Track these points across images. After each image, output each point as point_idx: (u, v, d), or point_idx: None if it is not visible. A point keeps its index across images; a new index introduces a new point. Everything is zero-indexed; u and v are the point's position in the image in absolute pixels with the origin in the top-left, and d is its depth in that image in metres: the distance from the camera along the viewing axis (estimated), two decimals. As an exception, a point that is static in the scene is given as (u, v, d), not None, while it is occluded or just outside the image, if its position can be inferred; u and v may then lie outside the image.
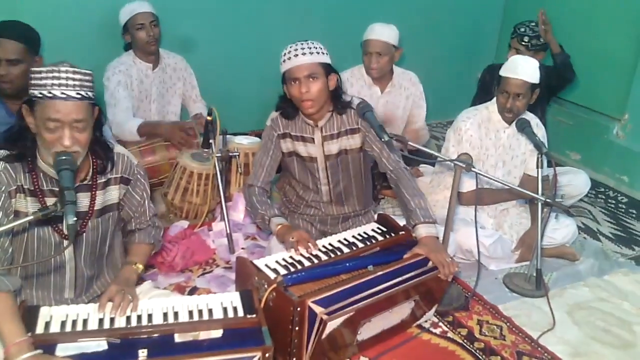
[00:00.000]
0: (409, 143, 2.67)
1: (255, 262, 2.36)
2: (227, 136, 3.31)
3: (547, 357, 2.53)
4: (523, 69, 2.89)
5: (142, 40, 3.44)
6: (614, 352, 2.61)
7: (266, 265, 2.34)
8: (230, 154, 3.09)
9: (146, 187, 2.26)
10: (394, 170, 2.68)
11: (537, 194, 2.80)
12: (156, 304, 2.10)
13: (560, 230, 3.24)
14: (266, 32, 4.40)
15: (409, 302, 2.46)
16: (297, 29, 4.50)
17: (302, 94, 2.51)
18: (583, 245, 3.46)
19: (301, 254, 2.41)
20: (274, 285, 2.16)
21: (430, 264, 2.43)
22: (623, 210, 4.04)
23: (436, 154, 2.81)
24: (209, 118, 2.97)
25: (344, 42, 3.69)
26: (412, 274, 2.39)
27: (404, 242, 2.57)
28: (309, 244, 2.43)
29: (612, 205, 4.10)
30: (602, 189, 4.32)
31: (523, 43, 3.55)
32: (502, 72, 2.94)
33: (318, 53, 2.51)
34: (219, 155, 3.03)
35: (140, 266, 2.24)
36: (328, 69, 2.55)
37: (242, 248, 3.10)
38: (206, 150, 3.12)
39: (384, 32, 3.44)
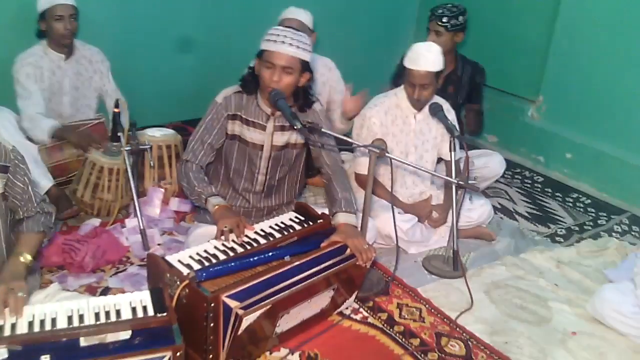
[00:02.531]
0: (324, 130, 2.63)
1: (167, 258, 2.28)
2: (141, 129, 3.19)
3: (465, 337, 2.57)
4: (426, 59, 2.89)
5: (58, 33, 3.26)
6: (530, 328, 2.68)
7: (179, 261, 2.26)
8: (141, 147, 2.97)
9: (27, 172, 2.12)
10: (331, 166, 2.69)
11: (452, 177, 2.84)
12: (60, 307, 1.98)
13: (476, 211, 3.30)
14: (181, 22, 4.28)
15: (328, 290, 2.44)
16: (213, 17, 4.43)
17: (271, 81, 2.47)
18: (500, 225, 3.54)
19: (215, 247, 2.35)
20: (186, 282, 2.09)
21: (348, 251, 2.43)
22: (539, 190, 4.16)
23: (350, 140, 2.80)
24: (116, 110, 2.84)
25: (260, 24, 3.61)
26: (330, 262, 2.38)
27: (322, 231, 2.55)
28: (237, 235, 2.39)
29: (529, 185, 4.22)
30: (519, 170, 4.44)
31: (442, 24, 3.53)
32: (407, 64, 2.95)
33: (303, 49, 2.49)
34: (129, 148, 2.90)
35: (29, 256, 2.08)
36: (305, 66, 2.53)
37: (158, 244, 2.99)
38: (116, 144, 2.98)
39: (301, 15, 3.40)
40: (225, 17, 4.47)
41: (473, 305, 2.76)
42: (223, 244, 2.38)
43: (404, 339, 2.52)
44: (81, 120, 3.43)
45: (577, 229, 3.64)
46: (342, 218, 2.52)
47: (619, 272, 3.00)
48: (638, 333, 2.60)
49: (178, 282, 2.12)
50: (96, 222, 3.07)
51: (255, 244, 2.42)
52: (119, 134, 2.90)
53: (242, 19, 4.48)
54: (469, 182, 2.75)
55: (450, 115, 3.09)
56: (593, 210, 3.89)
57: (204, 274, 2.15)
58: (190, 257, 2.30)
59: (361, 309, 2.68)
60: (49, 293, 2.17)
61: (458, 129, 2.99)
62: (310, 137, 2.58)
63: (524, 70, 4.61)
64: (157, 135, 3.36)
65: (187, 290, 2.09)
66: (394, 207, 2.80)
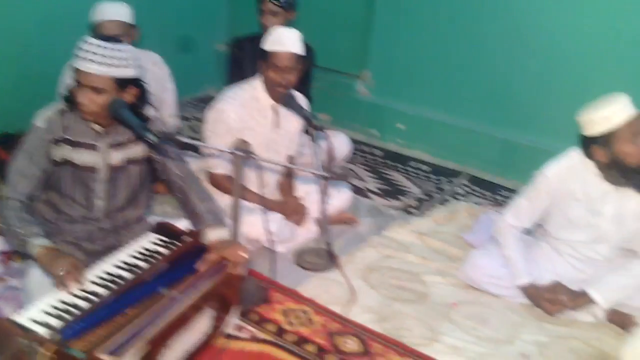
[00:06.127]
0: (180, 138, 2.34)
1: (16, 318, 1.86)
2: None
3: (358, 330, 2.49)
4: (291, 40, 2.74)
5: None
6: (415, 307, 2.68)
7: (32, 320, 1.85)
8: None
9: None
10: (182, 176, 2.37)
11: (317, 168, 2.72)
12: None
13: (337, 197, 3.23)
14: None
15: (207, 313, 2.21)
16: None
17: (83, 103, 2.11)
18: (357, 206, 3.52)
19: (74, 293, 1.97)
20: (52, 346, 1.72)
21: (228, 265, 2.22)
22: (381, 163, 4.23)
23: (210, 146, 2.54)
24: None
25: (72, 24, 3.15)
26: (212, 282, 2.14)
27: (193, 250, 2.28)
28: (79, 278, 2.00)
29: (370, 160, 4.26)
30: (357, 146, 4.45)
31: (278, 3, 3.35)
32: (269, 47, 2.74)
33: (117, 66, 2.09)
34: None
35: None
36: (124, 83, 2.14)
37: (-11, 297, 2.49)
38: None
39: (118, 12, 2.98)
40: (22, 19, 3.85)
41: (356, 295, 2.70)
42: (82, 290, 2.00)
43: (299, 348, 2.37)
44: None
45: (425, 197, 3.75)
46: (212, 234, 2.27)
47: (476, 235, 3.14)
48: (511, 292, 2.72)
49: (40, 349, 1.73)
50: None
51: (120, 281, 2.09)
52: None
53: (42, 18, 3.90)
54: (335, 171, 2.65)
55: (305, 105, 2.95)
56: (434, 176, 4.05)
57: (71, 332, 1.79)
58: (45, 312, 1.89)
59: (246, 325, 2.47)
60: None
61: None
62: (165, 149, 2.27)
63: (349, 47, 4.63)
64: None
65: (55, 357, 1.72)
66: (260, 206, 2.61)
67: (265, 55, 2.76)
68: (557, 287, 2.64)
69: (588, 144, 2.43)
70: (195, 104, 4.97)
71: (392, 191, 3.81)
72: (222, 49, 5.00)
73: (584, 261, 2.66)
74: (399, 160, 4.29)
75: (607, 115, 2.32)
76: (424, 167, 4.18)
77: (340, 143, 3.70)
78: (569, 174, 2.53)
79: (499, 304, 2.73)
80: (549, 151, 2.73)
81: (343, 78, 4.70)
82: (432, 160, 4.28)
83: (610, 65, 3.52)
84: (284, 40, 2.73)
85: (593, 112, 2.36)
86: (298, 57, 2.76)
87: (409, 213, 3.54)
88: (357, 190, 3.75)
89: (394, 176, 4.03)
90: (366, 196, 3.70)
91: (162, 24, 4.60)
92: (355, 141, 4.47)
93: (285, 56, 2.72)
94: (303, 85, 3.63)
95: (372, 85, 4.58)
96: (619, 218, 2.51)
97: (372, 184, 3.89)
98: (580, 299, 2.59)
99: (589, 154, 2.45)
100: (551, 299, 2.61)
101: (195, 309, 2.12)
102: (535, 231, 2.86)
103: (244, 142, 2.35)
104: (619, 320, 2.60)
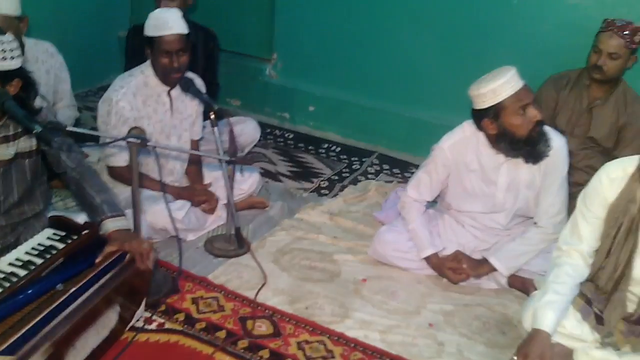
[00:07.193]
0: (69, 129, 2.24)
1: None
2: None
3: (268, 313, 2.50)
4: (174, 21, 2.66)
5: None
6: (326, 286, 2.71)
7: None
8: None
9: None
10: (76, 168, 2.28)
11: (219, 153, 2.69)
12: None
13: (246, 182, 3.21)
14: None
15: (113, 308, 2.15)
16: None
17: None
18: (268, 190, 3.51)
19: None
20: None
21: (128, 257, 2.15)
22: (293, 146, 4.23)
23: (105, 134, 2.45)
24: None
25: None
26: (110, 276, 2.08)
27: (91, 244, 2.20)
28: None
29: (282, 144, 4.25)
30: (269, 130, 4.43)
31: None
32: (153, 32, 2.66)
33: None
34: None
35: None
36: (8, 74, 2.04)
37: None
38: None
39: (1, 4, 2.81)
40: None
41: (267, 279, 2.70)
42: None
43: (209, 336, 2.35)
44: None
45: (337, 178, 3.79)
46: (111, 225, 2.19)
47: (386, 212, 3.20)
48: (416, 265, 2.80)
49: None
50: None
51: (14, 279, 2.00)
52: None
53: None
54: (239, 155, 2.62)
55: (204, 89, 2.90)
56: (345, 157, 4.08)
57: (-41, 335, 1.70)
58: None
59: (154, 317, 2.43)
60: None
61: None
62: (54, 140, 2.18)
63: (254, 30, 4.58)
64: None
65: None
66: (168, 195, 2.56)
67: (151, 42, 2.68)
68: (459, 257, 2.73)
69: (478, 117, 2.51)
70: (99, 93, 4.78)
71: (304, 174, 3.82)
72: (125, 36, 4.83)
73: (484, 231, 2.76)
74: (311, 142, 4.30)
75: (493, 88, 2.39)
76: (336, 148, 4.21)
77: (249, 129, 3.67)
78: (463, 145, 2.61)
79: (407, 277, 2.80)
80: (453, 127, 2.79)
81: (252, 62, 4.65)
82: (344, 141, 4.31)
83: (508, 39, 3.63)
84: (167, 22, 2.66)
85: (481, 86, 2.43)
86: (185, 37, 2.70)
87: (321, 195, 3.57)
88: (269, 174, 3.74)
89: (306, 158, 4.04)
90: (278, 180, 3.70)
91: (62, 12, 4.43)
92: (267, 125, 4.46)
93: (172, 39, 2.65)
94: (208, 71, 3.59)
95: (280, 68, 4.55)
96: (513, 188, 2.62)
97: (283, 167, 3.89)
98: (482, 267, 2.70)
99: (480, 127, 2.54)
100: (454, 268, 2.71)
101: (106, 304, 2.07)
102: (438, 204, 2.94)
103: (138, 129, 2.28)
104: (520, 284, 2.72)
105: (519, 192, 2.62)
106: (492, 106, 2.41)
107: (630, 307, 2.18)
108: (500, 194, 2.63)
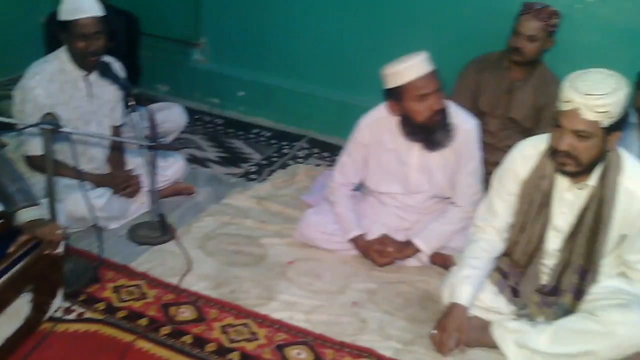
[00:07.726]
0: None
1: None
2: None
3: (193, 299, 2.48)
4: (89, 5, 2.59)
5: None
6: (252, 270, 2.71)
7: None
8: None
9: None
10: None
11: (139, 139, 2.64)
12: None
13: (170, 168, 3.16)
14: None
15: (23, 296, 2.09)
16: None
17: None
18: (195, 176, 3.47)
19: None
20: None
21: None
22: (222, 132, 4.19)
23: (16, 121, 2.37)
24: None
25: None
26: (23, 264, 2.03)
27: (5, 234, 2.13)
28: None
29: (211, 130, 4.21)
30: (198, 116, 4.37)
31: None
32: (67, 16, 2.58)
33: None
34: None
35: None
36: None
37: None
38: None
39: None
40: None
41: (192, 265, 2.68)
42: None
43: (130, 323, 2.32)
44: None
45: (266, 162, 3.78)
46: (25, 215, 2.14)
47: (314, 195, 3.22)
48: (342, 247, 2.83)
49: None
50: None
51: None
52: None
53: None
54: (163, 141, 2.58)
55: (123, 73, 2.83)
56: (275, 142, 4.08)
57: None
58: None
59: (74, 307, 2.37)
60: None
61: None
62: None
63: (181, 14, 4.47)
64: None
65: None
66: (83, 182, 2.50)
67: (66, 26, 2.60)
68: (385, 240, 2.77)
69: (385, 97, 2.55)
70: (16, 80, 4.60)
71: (233, 159, 3.79)
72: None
73: (406, 210, 2.82)
74: (241, 127, 4.27)
75: (397, 70, 2.44)
76: (266, 133, 4.20)
77: (175, 115, 3.62)
78: (379, 125, 2.66)
79: (333, 259, 2.83)
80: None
81: (180, 47, 4.56)
82: (274, 125, 4.30)
83: (431, 24, 3.69)
84: (81, 5, 2.59)
85: (389, 67, 2.47)
86: (101, 19, 2.64)
87: (249, 180, 3.55)
88: (197, 160, 3.69)
89: (236, 144, 4.01)
90: (206, 166, 3.66)
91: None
92: (196, 111, 4.40)
93: (88, 22, 2.59)
94: (129, 56, 3.51)
95: (208, 53, 4.49)
96: (426, 170, 2.69)
97: (212, 153, 3.85)
98: (407, 249, 2.75)
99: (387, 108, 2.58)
100: (379, 251, 2.75)
101: (9, 293, 2.01)
102: (363, 187, 2.98)
103: (51, 115, 2.21)
104: (441, 261, 2.79)
105: (432, 175, 2.69)
106: (395, 88, 2.46)
107: (544, 279, 2.29)
108: (413, 175, 2.69)
